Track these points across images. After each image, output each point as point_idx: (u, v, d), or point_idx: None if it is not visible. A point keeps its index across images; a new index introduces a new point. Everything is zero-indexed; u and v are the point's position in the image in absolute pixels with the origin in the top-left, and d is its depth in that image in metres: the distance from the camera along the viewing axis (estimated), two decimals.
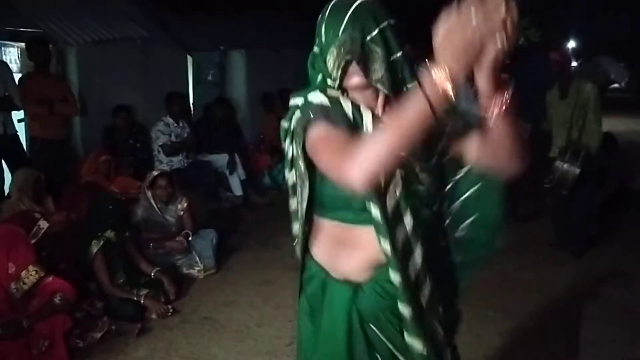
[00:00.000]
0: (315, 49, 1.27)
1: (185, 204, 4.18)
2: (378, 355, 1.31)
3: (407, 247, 1.23)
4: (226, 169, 5.81)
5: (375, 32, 1.18)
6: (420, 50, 1.13)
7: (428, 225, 1.28)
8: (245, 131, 6.91)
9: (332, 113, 1.20)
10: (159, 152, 5.49)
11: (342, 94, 1.24)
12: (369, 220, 1.20)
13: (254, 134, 7.22)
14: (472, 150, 1.24)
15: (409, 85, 1.20)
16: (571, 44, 24.06)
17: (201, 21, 7.31)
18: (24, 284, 2.79)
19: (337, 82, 1.22)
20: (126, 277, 3.50)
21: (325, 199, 1.30)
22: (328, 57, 1.21)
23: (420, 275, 1.25)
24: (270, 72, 7.82)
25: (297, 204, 1.37)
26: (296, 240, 1.43)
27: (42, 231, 3.00)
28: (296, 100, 1.29)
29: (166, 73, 6.38)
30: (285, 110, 1.33)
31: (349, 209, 1.26)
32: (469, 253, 1.36)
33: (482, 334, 3.12)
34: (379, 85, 1.19)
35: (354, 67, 1.20)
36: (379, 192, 1.18)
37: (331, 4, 1.24)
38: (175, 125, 5.60)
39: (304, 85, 1.31)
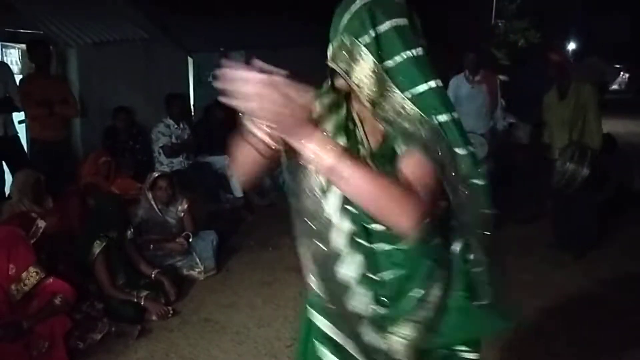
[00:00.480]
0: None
1: (186, 205, 4.18)
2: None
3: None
4: (227, 170, 5.82)
5: (369, 38, 1.14)
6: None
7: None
8: None
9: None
10: (159, 153, 5.50)
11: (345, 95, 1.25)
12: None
13: None
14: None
15: (406, 93, 1.15)
16: (571, 46, 24.09)
17: (201, 22, 7.33)
18: (25, 285, 2.79)
19: (330, 82, 1.23)
20: (126, 278, 3.49)
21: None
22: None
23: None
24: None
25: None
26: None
27: (41, 230, 3.00)
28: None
29: (166, 74, 6.39)
30: None
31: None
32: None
33: None
34: (356, 89, 1.17)
35: (339, 70, 1.18)
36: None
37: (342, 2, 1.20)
38: (176, 126, 5.60)
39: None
